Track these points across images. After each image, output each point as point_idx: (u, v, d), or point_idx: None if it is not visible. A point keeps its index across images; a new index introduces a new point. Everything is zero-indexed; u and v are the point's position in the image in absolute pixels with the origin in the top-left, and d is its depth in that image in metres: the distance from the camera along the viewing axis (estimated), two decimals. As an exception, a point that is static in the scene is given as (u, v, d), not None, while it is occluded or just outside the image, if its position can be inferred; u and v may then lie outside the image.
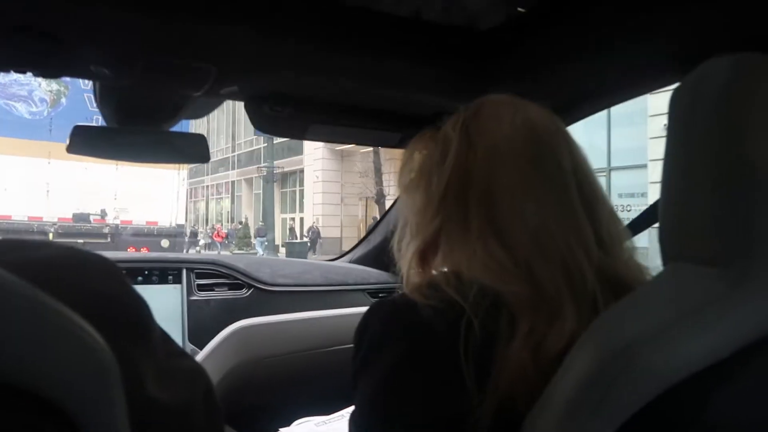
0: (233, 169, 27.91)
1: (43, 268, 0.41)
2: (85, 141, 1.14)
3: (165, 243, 9.11)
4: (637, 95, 1.18)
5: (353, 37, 0.99)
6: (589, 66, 1.08)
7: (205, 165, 29.06)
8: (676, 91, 0.60)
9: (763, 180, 0.50)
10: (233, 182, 28.49)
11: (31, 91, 8.28)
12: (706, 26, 0.87)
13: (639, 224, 1.17)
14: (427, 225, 0.72)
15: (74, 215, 8.57)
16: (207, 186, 31.21)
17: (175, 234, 9.33)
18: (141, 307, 0.46)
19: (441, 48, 1.06)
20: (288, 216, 24.12)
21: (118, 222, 8.91)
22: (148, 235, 9.03)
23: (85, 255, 0.45)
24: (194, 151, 1.23)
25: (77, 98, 8.23)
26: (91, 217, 8.77)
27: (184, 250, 9.59)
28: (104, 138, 1.17)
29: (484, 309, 0.61)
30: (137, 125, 1.18)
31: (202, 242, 22.74)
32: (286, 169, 22.62)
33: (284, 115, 1.18)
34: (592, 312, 0.62)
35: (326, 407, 1.33)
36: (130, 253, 1.56)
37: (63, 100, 8.54)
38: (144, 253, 2.21)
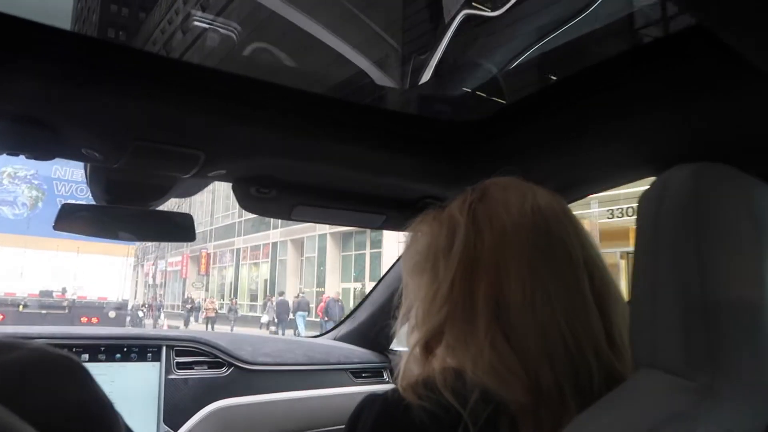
0: (275, 228, 23.10)
1: (10, 375, 0.41)
2: (72, 218, 1.15)
3: (112, 314, 11.49)
4: (612, 187, 1.22)
5: (338, 128, 1.03)
6: (571, 159, 1.11)
7: (236, 225, 26.15)
8: (642, 198, 0.62)
9: (724, 296, 0.52)
10: (275, 244, 23.62)
11: (15, 197, 10.91)
12: (680, 129, 0.91)
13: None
14: (434, 315, 0.69)
15: (41, 291, 10.97)
16: (238, 249, 26.58)
17: (120, 307, 11.73)
18: (105, 411, 0.46)
19: (424, 139, 1.10)
20: (352, 285, 19.39)
21: (75, 297, 11.31)
22: (98, 308, 11.34)
23: (53, 359, 0.45)
24: (180, 229, 1.24)
25: (51, 202, 10.92)
26: (54, 293, 11.15)
27: (127, 322, 12.13)
28: (91, 216, 1.18)
29: (483, 419, 0.58)
30: (126, 204, 1.19)
31: (265, 319, 17.41)
32: (346, 228, 17.59)
33: (270, 197, 1.20)
34: None
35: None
36: (111, 330, 1.54)
37: (40, 204, 11.17)
38: (125, 329, 2.20)
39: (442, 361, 0.69)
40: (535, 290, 0.64)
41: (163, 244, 23.93)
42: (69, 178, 11.62)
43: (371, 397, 0.66)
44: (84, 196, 10.10)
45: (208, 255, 28.28)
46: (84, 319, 10.81)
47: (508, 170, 0.76)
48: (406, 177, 1.18)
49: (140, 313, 21.03)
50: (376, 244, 18.16)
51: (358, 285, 19.13)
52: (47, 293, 11.11)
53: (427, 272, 0.72)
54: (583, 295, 0.65)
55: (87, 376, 0.46)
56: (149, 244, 27.44)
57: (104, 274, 11.62)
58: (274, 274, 23.66)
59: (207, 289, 27.45)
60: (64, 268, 11.30)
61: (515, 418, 0.59)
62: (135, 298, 31.39)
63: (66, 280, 11.46)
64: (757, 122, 0.81)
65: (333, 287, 18.89)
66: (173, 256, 31.14)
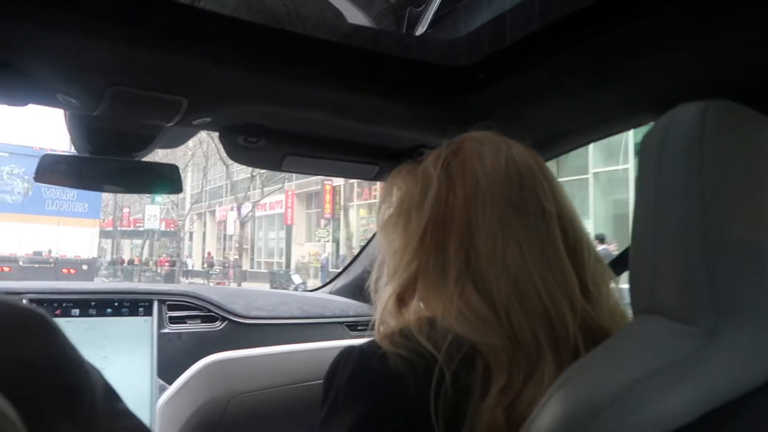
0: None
1: None
2: (52, 169, 1.11)
3: (85, 267, 16.14)
4: (615, 133, 1.18)
5: (328, 72, 0.98)
6: (567, 105, 1.08)
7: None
8: (645, 138, 0.59)
9: (729, 238, 0.49)
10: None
11: (12, 188, 15.61)
12: (679, 70, 0.87)
13: (620, 264, 1.15)
14: (405, 268, 0.70)
15: (33, 252, 15.71)
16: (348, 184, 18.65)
17: (90, 262, 16.62)
18: (73, 363, 0.43)
19: (417, 84, 1.05)
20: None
21: (58, 255, 16.00)
22: (75, 262, 16.09)
23: (8, 309, 0.42)
24: (166, 181, 1.21)
25: (38, 191, 15.51)
26: (43, 253, 15.88)
27: (95, 274, 17.49)
28: (72, 166, 1.14)
29: (457, 361, 0.58)
30: (109, 155, 1.15)
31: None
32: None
33: (259, 146, 1.16)
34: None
35: (300, 445, 1.28)
36: (101, 285, 1.53)
37: (30, 192, 15.67)
38: (116, 284, 2.20)
39: (415, 312, 0.69)
40: (506, 242, 0.64)
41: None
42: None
43: (348, 350, 0.66)
44: (67, 197, 16.19)
45: (334, 189, 19.16)
46: (65, 270, 15.53)
47: (485, 125, 0.75)
48: (399, 124, 1.14)
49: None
50: (603, 161, 12.15)
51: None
52: (38, 253, 15.87)
53: (400, 226, 0.73)
54: (555, 248, 0.65)
55: (54, 330, 0.44)
56: (222, 183, 23.49)
57: (78, 239, 16.47)
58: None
59: (333, 240, 19.62)
60: (50, 235, 16.03)
61: (489, 362, 0.59)
62: (205, 252, 25.68)
63: (50, 244, 16.10)
64: (761, 57, 0.77)
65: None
66: (265, 196, 21.24)
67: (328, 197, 19.16)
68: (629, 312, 0.67)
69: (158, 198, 22.50)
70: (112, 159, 1.16)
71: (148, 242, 26.91)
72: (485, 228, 0.65)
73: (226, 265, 21.53)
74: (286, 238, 22.43)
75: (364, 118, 1.10)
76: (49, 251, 15.92)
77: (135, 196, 24.17)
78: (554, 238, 0.66)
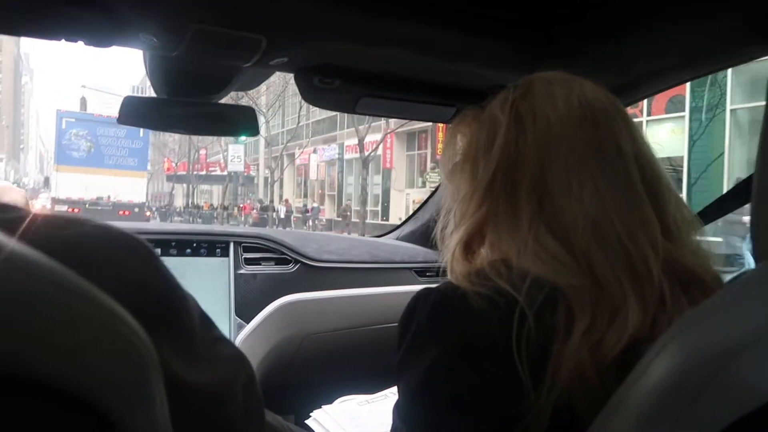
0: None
1: (74, 248, 0.38)
2: (134, 112, 1.13)
3: (136, 209, 20.36)
4: (714, 71, 1.09)
5: (405, 5, 0.94)
6: (666, 38, 0.99)
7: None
8: None
9: None
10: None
11: (78, 146, 20.41)
12: None
13: (714, 211, 1.08)
14: (473, 214, 0.69)
15: (96, 197, 20.04)
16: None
17: (140, 205, 21.03)
18: (174, 290, 0.43)
19: (502, 17, 0.99)
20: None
21: (115, 200, 20.39)
22: (129, 206, 20.32)
23: (117, 234, 0.42)
24: (243, 123, 1.21)
25: (98, 149, 20.60)
26: (103, 198, 20.22)
27: (144, 215, 21.67)
28: (152, 108, 1.15)
29: (539, 302, 0.57)
30: (186, 97, 1.16)
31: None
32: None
33: (334, 87, 1.14)
34: (659, 307, 0.58)
35: (370, 386, 1.31)
36: (180, 225, 1.57)
37: (92, 150, 20.59)
38: (193, 225, 2.26)
39: (485, 259, 0.68)
40: (582, 183, 0.62)
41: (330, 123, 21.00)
42: (110, 135, 20.56)
43: (425, 290, 0.65)
44: (121, 153, 20.63)
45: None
46: (121, 212, 19.70)
47: (552, 64, 0.71)
48: (483, 62, 1.09)
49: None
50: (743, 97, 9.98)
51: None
52: (100, 198, 20.17)
53: (467, 173, 0.71)
54: (634, 188, 0.64)
55: (153, 255, 0.44)
56: (301, 123, 21.98)
57: (132, 187, 20.77)
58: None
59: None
60: (109, 184, 20.32)
61: (571, 303, 0.58)
62: (282, 198, 23.62)
63: (109, 191, 20.33)
64: None
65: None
66: (350, 137, 18.19)
67: (441, 135, 15.24)
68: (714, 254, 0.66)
69: (242, 137, 21.96)
70: (190, 101, 1.17)
71: (231, 186, 26.56)
72: (558, 170, 0.63)
73: (348, 213, 18.94)
74: (382, 183, 19.32)
75: (446, 56, 1.06)
76: (108, 197, 20.62)
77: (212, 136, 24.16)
78: (632, 178, 0.64)
